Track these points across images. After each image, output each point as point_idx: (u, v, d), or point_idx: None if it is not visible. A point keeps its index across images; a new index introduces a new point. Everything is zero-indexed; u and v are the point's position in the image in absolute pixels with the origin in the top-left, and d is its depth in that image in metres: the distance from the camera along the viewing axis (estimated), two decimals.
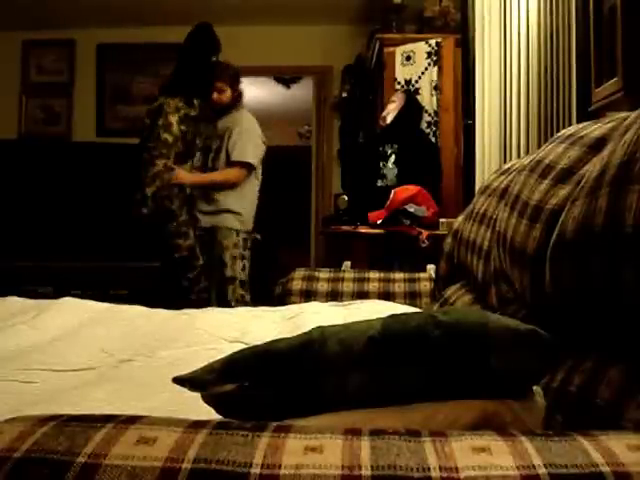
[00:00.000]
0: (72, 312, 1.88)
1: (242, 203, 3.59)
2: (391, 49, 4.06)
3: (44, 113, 5.34)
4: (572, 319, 0.93)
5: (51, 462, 0.47)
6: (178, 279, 3.49)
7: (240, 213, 3.56)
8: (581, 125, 1.19)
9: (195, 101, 3.43)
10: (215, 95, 3.56)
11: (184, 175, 3.44)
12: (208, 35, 3.58)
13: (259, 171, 3.68)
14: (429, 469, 0.47)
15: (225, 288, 3.51)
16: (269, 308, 2.10)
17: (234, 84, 3.63)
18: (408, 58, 4.01)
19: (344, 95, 5.05)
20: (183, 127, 3.37)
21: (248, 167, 3.54)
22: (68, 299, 2.04)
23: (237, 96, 3.64)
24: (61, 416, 0.54)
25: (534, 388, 0.73)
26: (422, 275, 2.37)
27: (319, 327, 0.77)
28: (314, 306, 2.05)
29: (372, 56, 4.55)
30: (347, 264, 3.13)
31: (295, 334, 0.79)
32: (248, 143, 3.54)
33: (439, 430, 0.54)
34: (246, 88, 4.02)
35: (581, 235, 0.85)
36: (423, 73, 3.96)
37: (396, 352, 0.69)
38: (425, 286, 2.29)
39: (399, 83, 4.02)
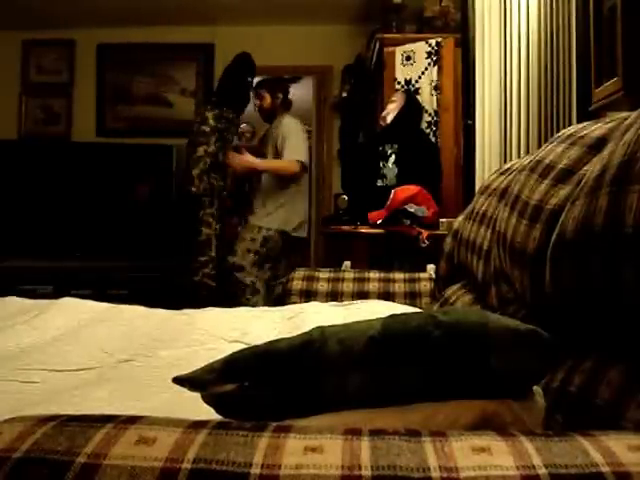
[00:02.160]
0: (72, 312, 1.88)
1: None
2: (391, 49, 4.05)
3: (44, 113, 5.34)
4: (572, 319, 0.92)
5: (51, 462, 0.47)
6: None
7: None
8: (581, 125, 1.19)
9: (231, 113, 4.05)
10: (257, 101, 4.15)
11: (249, 157, 3.95)
12: (247, 61, 4.18)
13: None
14: (429, 469, 0.47)
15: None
16: (269, 308, 2.10)
17: (273, 91, 4.11)
18: (408, 58, 4.01)
19: (344, 95, 5.04)
20: (218, 124, 3.96)
21: (301, 163, 3.91)
22: (68, 299, 2.04)
23: (277, 102, 4.11)
24: (61, 416, 0.54)
25: (534, 388, 0.73)
26: (422, 275, 2.37)
27: (319, 327, 0.77)
28: (314, 306, 2.05)
29: (372, 56, 4.55)
30: (347, 264, 3.13)
31: (295, 334, 0.79)
32: (296, 142, 3.95)
33: (439, 430, 0.54)
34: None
35: (581, 235, 0.84)
36: (423, 73, 3.96)
37: (396, 352, 0.69)
38: (425, 286, 2.29)
39: (399, 83, 4.02)
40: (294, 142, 3.96)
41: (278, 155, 3.95)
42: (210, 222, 3.97)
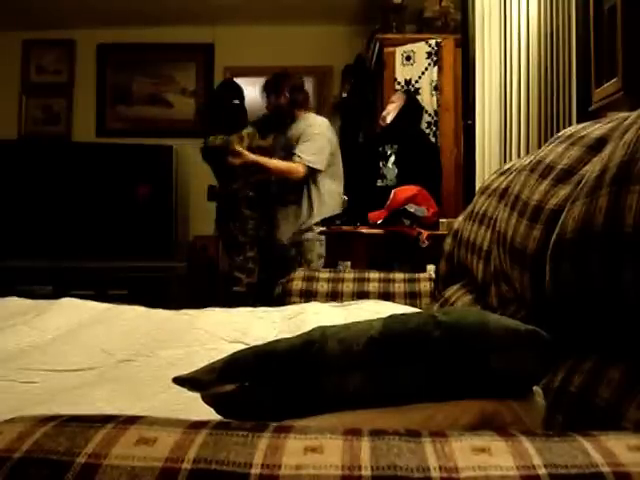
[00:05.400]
0: (72, 312, 1.88)
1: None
2: (391, 49, 4.06)
3: (44, 113, 5.34)
4: (572, 319, 0.92)
5: (51, 462, 0.47)
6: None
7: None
8: (581, 125, 1.19)
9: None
10: (266, 104, 3.85)
11: (247, 153, 3.65)
12: (231, 85, 4.04)
13: (330, 175, 3.72)
14: (429, 469, 0.47)
15: None
16: (269, 308, 2.10)
17: (276, 92, 3.79)
18: (408, 58, 4.01)
19: (344, 95, 5.04)
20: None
21: (308, 167, 3.62)
22: (68, 299, 2.04)
23: (290, 101, 3.76)
24: (61, 416, 0.54)
25: (534, 388, 0.73)
26: (422, 275, 2.37)
27: (319, 327, 0.77)
28: (314, 306, 2.05)
29: (372, 56, 4.55)
30: (347, 264, 3.13)
31: (295, 334, 0.79)
32: (311, 145, 3.63)
33: (439, 430, 0.54)
34: (246, 88, 4.08)
35: (581, 235, 0.84)
36: (423, 73, 3.97)
37: (396, 352, 0.69)
38: (425, 286, 2.29)
39: (399, 83, 4.02)
40: (307, 144, 3.62)
41: (287, 154, 3.67)
42: (252, 269, 3.64)
